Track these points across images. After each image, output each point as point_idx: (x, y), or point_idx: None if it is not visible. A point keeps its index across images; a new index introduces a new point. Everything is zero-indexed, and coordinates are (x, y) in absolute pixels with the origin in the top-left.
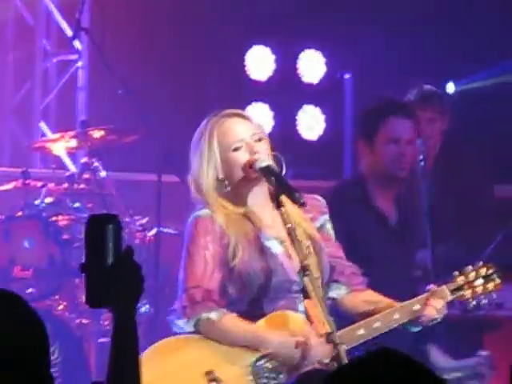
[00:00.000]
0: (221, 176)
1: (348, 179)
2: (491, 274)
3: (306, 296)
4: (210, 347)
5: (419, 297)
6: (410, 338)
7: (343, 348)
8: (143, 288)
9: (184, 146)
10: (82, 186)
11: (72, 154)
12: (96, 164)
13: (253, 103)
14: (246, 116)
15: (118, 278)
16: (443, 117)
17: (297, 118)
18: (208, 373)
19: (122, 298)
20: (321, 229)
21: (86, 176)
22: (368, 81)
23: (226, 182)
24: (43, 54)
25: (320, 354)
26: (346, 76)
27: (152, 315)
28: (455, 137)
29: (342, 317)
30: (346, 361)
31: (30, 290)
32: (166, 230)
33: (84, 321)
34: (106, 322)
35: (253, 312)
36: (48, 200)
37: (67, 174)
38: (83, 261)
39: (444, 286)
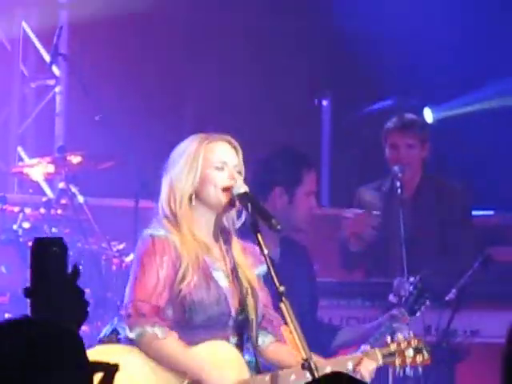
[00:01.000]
0: (195, 189)
1: None
2: (421, 348)
3: (241, 332)
4: (144, 364)
5: (351, 356)
6: None
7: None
8: (87, 313)
9: (161, 171)
10: (59, 211)
11: (49, 179)
12: (73, 189)
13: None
14: (235, 146)
15: (61, 302)
16: (423, 144)
17: None
18: None
19: (65, 322)
20: (258, 277)
21: (63, 201)
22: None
23: (197, 199)
24: (21, 79)
25: None
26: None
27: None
28: (438, 169)
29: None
30: None
31: (7, 315)
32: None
33: None
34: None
35: (186, 337)
36: (25, 225)
37: (44, 199)
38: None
39: (377, 350)
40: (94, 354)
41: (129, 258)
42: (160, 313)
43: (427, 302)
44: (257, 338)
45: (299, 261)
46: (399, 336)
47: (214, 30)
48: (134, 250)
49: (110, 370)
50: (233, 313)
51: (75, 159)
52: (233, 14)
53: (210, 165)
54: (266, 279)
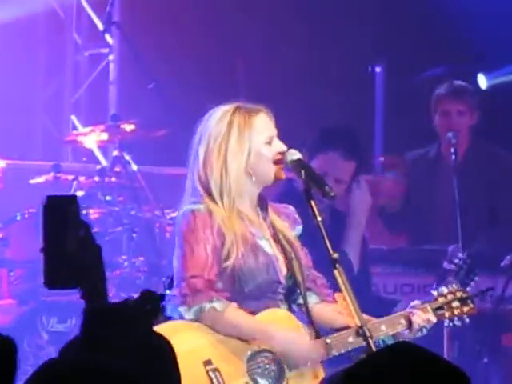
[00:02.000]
0: (249, 170)
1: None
2: (466, 298)
3: (290, 297)
4: (209, 336)
5: (403, 312)
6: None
7: (373, 341)
8: (103, 268)
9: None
10: (113, 179)
11: (103, 147)
12: (127, 157)
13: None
14: (270, 114)
15: (77, 259)
16: (472, 112)
17: None
18: (206, 362)
19: (84, 279)
20: (296, 238)
21: (117, 169)
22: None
23: (253, 174)
24: (74, 48)
25: (314, 355)
26: (378, 69)
27: None
28: (488, 138)
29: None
30: None
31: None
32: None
33: None
34: None
35: (239, 306)
36: (79, 193)
37: (98, 167)
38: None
39: (427, 304)
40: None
41: None
42: (214, 285)
43: (476, 278)
44: (306, 298)
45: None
46: (443, 288)
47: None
48: (175, 226)
49: None
50: (282, 279)
51: (129, 127)
52: None
53: (259, 140)
54: (305, 241)
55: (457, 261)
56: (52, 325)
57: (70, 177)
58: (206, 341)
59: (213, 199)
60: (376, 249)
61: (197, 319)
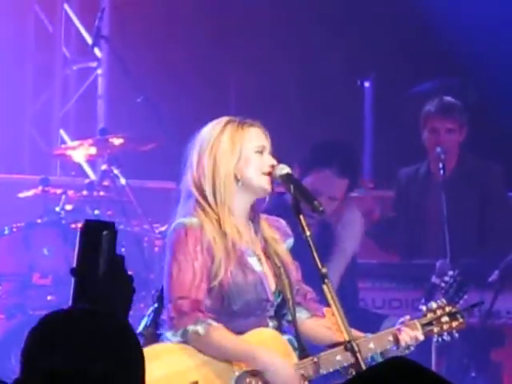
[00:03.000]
0: (236, 172)
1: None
2: (455, 312)
3: (278, 314)
4: (196, 358)
5: (391, 329)
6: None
7: (362, 357)
8: (132, 299)
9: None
10: (101, 193)
11: (91, 161)
12: (115, 171)
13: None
14: (265, 130)
15: (109, 287)
16: (461, 129)
17: None
18: None
19: (112, 307)
20: (287, 251)
21: (105, 183)
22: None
23: (240, 179)
24: (63, 62)
25: (290, 381)
26: (366, 84)
27: None
28: (476, 151)
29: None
30: (364, 368)
31: (49, 298)
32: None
33: None
34: None
35: (227, 325)
36: (68, 207)
37: (87, 181)
38: (74, 265)
39: (416, 320)
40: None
41: None
42: (201, 306)
43: (465, 296)
44: (295, 315)
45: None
46: (432, 303)
47: (253, 13)
48: (166, 239)
49: None
50: (270, 296)
51: (117, 141)
52: None
53: (250, 148)
54: (297, 254)
55: (447, 278)
56: None
57: (59, 191)
58: (194, 362)
59: (205, 208)
60: (364, 263)
61: (183, 342)
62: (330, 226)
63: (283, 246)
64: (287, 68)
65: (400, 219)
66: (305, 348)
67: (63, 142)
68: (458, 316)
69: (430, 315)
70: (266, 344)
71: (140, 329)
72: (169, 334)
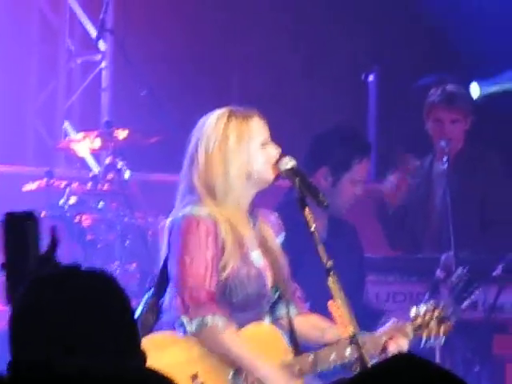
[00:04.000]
0: (249, 169)
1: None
2: (443, 317)
3: (275, 308)
4: (196, 350)
5: (384, 330)
6: None
7: (366, 350)
8: None
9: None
10: (105, 186)
11: (96, 154)
12: (120, 164)
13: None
14: (263, 117)
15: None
16: (466, 118)
17: None
18: (194, 376)
19: None
20: (281, 245)
21: (109, 176)
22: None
23: (252, 175)
24: (67, 55)
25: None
26: (371, 77)
27: None
28: (477, 140)
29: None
30: (368, 363)
31: None
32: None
33: None
34: None
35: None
36: (72, 200)
37: (91, 174)
38: (3, 260)
39: (408, 324)
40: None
41: None
42: (215, 298)
43: (477, 292)
44: (290, 311)
45: (347, 240)
46: (421, 308)
47: (259, 5)
48: (172, 228)
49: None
50: (268, 292)
51: (121, 134)
52: None
53: (256, 142)
54: (286, 249)
55: (454, 277)
56: None
57: (63, 183)
58: (193, 354)
59: (215, 203)
60: (369, 257)
61: (197, 331)
62: (337, 220)
63: (277, 241)
64: (291, 62)
65: (407, 213)
66: (298, 344)
67: (67, 134)
68: (446, 320)
69: (419, 319)
70: (263, 338)
71: (136, 315)
72: (184, 320)
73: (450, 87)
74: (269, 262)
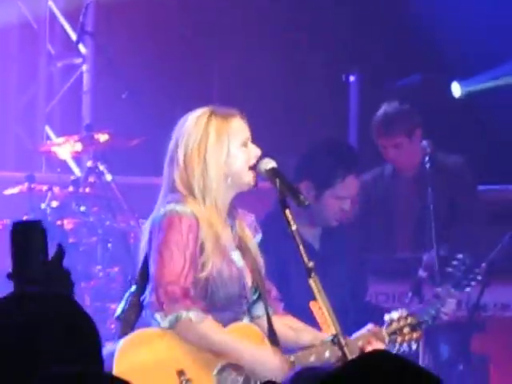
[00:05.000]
0: (228, 170)
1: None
2: (415, 324)
3: (254, 308)
4: (182, 346)
5: (360, 334)
6: None
7: (348, 349)
8: (74, 293)
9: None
10: (87, 189)
11: (77, 157)
12: (101, 168)
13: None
14: (244, 118)
15: (46, 286)
16: (412, 136)
17: None
18: (179, 372)
19: None
20: (256, 247)
21: (91, 180)
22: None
23: (229, 176)
24: (47, 58)
25: (281, 374)
26: (352, 78)
27: None
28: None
29: None
30: None
31: None
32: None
33: None
34: (112, 326)
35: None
36: (53, 204)
37: (72, 177)
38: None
39: (383, 329)
40: (124, 343)
41: None
42: (190, 294)
43: (478, 277)
44: (267, 309)
45: (339, 246)
46: (393, 314)
47: (239, 6)
48: (154, 224)
49: None
50: (247, 292)
51: (102, 137)
52: None
53: (236, 143)
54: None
55: (455, 262)
56: None
57: (44, 187)
58: (179, 351)
59: (196, 202)
60: None
61: (171, 327)
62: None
63: (254, 242)
64: (272, 63)
65: (372, 219)
66: (279, 344)
67: (48, 138)
68: (418, 328)
69: (394, 325)
70: (250, 338)
71: (118, 313)
72: (158, 316)
73: (387, 108)
74: (248, 263)
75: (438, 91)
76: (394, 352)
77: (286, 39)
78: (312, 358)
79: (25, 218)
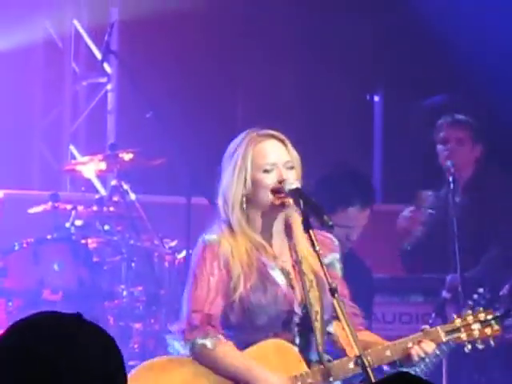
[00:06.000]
0: (247, 193)
1: None
2: (490, 319)
3: (308, 326)
4: (201, 374)
5: (412, 336)
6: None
7: (371, 370)
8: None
9: (212, 168)
10: (111, 208)
11: (101, 176)
12: (125, 187)
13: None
14: (283, 140)
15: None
16: (474, 144)
17: None
18: None
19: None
20: (328, 266)
21: (115, 199)
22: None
23: (249, 202)
24: (72, 77)
25: None
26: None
27: None
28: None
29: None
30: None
31: None
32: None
33: None
34: (136, 345)
35: (250, 339)
36: (78, 223)
37: (97, 196)
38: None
39: (438, 327)
40: (144, 369)
41: (181, 255)
42: (212, 320)
43: (497, 313)
44: (323, 329)
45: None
46: (466, 311)
47: (265, 27)
48: (192, 255)
49: None
50: (295, 309)
51: (127, 156)
52: (284, 10)
53: (258, 168)
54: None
55: (475, 296)
56: None
57: (69, 206)
58: (198, 378)
59: (229, 227)
60: (376, 278)
61: (190, 355)
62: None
63: (320, 260)
64: (297, 83)
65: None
66: (323, 360)
67: (73, 157)
68: (493, 322)
69: (457, 321)
70: (268, 354)
71: None
72: (177, 345)
73: (458, 114)
74: (298, 281)
75: (464, 111)
76: (467, 350)
77: (310, 58)
78: (351, 365)
79: (49, 236)
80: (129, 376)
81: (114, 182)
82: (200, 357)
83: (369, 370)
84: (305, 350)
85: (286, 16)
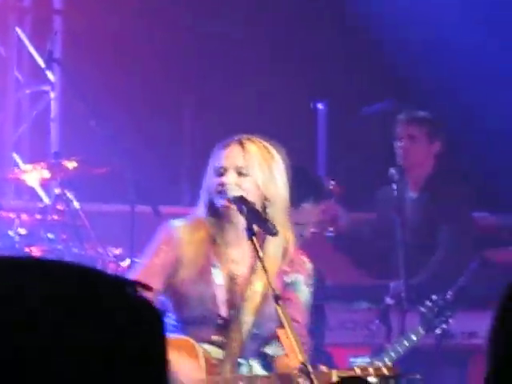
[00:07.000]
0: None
1: None
2: (390, 377)
3: (227, 333)
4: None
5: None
6: None
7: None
8: None
9: (156, 177)
10: (55, 217)
11: (45, 185)
12: (69, 195)
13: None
14: (245, 146)
15: None
16: (430, 140)
17: None
18: None
19: None
20: (288, 285)
21: (59, 207)
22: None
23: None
24: (15, 85)
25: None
26: (320, 106)
27: None
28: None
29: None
30: None
31: None
32: (139, 261)
33: None
34: None
35: (182, 331)
36: (21, 231)
37: (40, 205)
38: None
39: (334, 371)
40: None
41: (125, 263)
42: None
43: (450, 320)
44: (244, 340)
45: None
46: (372, 363)
47: (214, 35)
48: None
49: None
50: (222, 312)
51: (71, 164)
52: (232, 20)
53: (214, 171)
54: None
55: (428, 303)
56: None
57: (12, 214)
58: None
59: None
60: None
61: None
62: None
63: (264, 267)
64: (243, 90)
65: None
66: (234, 370)
67: (16, 165)
68: (392, 381)
69: (357, 371)
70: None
71: None
72: None
73: (416, 111)
74: (240, 288)
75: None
76: None
77: (256, 66)
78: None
79: None
80: None
81: (57, 191)
82: None
83: (312, 376)
84: (228, 355)
85: (232, 23)
